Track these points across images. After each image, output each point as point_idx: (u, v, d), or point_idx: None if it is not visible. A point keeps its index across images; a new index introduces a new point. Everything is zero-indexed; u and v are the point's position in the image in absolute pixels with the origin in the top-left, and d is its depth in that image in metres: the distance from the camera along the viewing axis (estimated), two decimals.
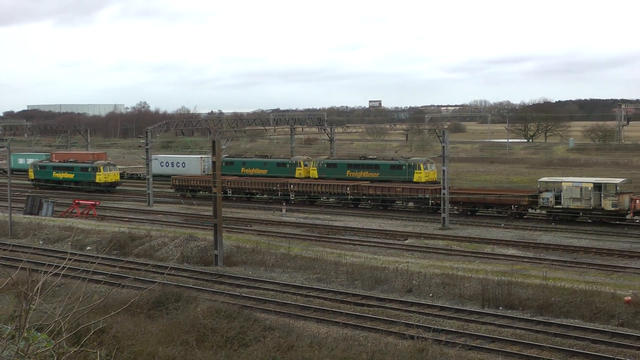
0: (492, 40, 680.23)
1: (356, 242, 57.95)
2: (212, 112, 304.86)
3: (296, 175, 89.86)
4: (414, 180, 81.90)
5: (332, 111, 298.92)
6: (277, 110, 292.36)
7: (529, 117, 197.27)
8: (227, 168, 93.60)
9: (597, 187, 62.99)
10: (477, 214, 71.63)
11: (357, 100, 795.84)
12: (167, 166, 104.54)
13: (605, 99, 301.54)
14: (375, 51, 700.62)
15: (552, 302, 37.04)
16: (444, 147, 64.78)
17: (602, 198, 62.53)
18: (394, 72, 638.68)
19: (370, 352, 26.54)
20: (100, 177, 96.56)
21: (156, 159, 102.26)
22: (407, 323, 34.00)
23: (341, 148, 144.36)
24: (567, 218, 65.10)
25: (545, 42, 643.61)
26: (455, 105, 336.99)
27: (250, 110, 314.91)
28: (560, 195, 64.21)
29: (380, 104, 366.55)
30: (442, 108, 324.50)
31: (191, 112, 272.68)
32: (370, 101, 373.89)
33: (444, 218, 64.05)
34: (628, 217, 63.31)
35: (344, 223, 67.87)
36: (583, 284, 40.11)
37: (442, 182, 65.06)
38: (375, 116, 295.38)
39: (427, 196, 72.41)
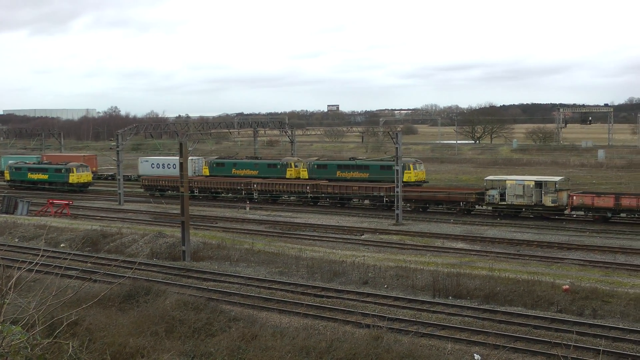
0: (441, 49, 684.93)
1: (316, 238, 57.96)
2: (179, 116, 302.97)
3: (287, 176, 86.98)
4: (404, 180, 76.30)
5: (292, 115, 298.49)
6: (241, 114, 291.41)
7: (476, 120, 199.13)
8: (218, 169, 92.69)
9: (538, 184, 63.77)
10: (429, 210, 72.11)
11: (317, 104, 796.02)
12: (159, 168, 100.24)
13: (545, 103, 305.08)
14: (333, 58, 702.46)
15: (497, 292, 37.40)
16: (397, 148, 65.05)
17: (542, 195, 63.33)
18: (351, 78, 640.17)
19: (329, 340, 26.55)
20: (73, 178, 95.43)
21: (147, 161, 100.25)
22: (364, 313, 34.07)
23: (301, 149, 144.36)
24: (511, 214, 65.84)
25: (490, 50, 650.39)
26: (408, 109, 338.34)
27: (215, 114, 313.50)
28: (504, 193, 64.91)
29: (338, 108, 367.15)
30: (396, 112, 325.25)
31: (160, 116, 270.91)
32: (328, 105, 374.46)
33: (397, 214, 64.33)
34: (566, 212, 64.23)
35: (305, 220, 67.86)
36: (525, 274, 40.59)
37: (395, 181, 65.30)
38: (333, 119, 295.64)
39: (381, 194, 72.70)
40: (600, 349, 26.78)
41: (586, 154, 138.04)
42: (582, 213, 63.83)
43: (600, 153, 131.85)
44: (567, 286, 37.24)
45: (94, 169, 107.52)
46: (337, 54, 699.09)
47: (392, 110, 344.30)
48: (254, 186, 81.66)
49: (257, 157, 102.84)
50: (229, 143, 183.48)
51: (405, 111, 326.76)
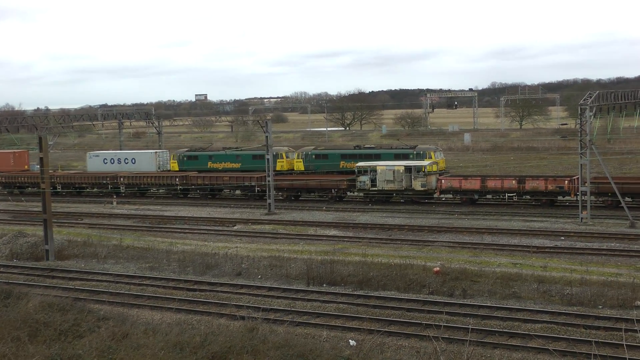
0: (310, 37, 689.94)
1: (187, 231, 57.43)
2: (38, 108, 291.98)
3: (277, 169, 76.61)
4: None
5: (160, 105, 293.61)
6: (105, 106, 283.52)
7: (346, 106, 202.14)
8: (190, 163, 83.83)
9: (408, 169, 65.43)
10: (301, 198, 72.71)
11: (185, 94, 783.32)
12: (113, 163, 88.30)
13: (413, 89, 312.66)
14: (203, 47, 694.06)
15: (370, 277, 38.19)
16: (267, 136, 65.19)
17: (412, 179, 65.05)
18: (220, 67, 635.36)
19: (204, 334, 26.37)
20: None
21: (97, 156, 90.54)
22: (238, 304, 34.06)
23: (169, 140, 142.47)
24: (383, 199, 67.33)
25: (358, 37, 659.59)
26: (278, 97, 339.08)
27: (77, 106, 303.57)
28: (375, 178, 66.23)
29: (206, 97, 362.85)
30: (265, 100, 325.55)
31: (16, 109, 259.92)
32: (196, 95, 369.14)
33: (269, 204, 64.54)
34: (435, 195, 66.24)
35: (175, 212, 67.06)
36: (398, 259, 41.67)
37: (266, 170, 65.42)
38: (201, 109, 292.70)
39: (253, 184, 72.69)
40: (469, 328, 27.81)
41: (453, 137, 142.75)
42: (451, 196, 66.03)
43: (466, 137, 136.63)
44: (437, 268, 38.49)
45: (26, 166, 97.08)
46: (207, 43, 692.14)
47: (262, 98, 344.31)
48: (120, 179, 79.81)
49: (238, 147, 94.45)
50: (93, 136, 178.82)
51: (275, 99, 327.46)
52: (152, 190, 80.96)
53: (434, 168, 66.87)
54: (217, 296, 36.45)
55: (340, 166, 76.33)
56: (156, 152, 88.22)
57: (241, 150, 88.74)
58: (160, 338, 25.31)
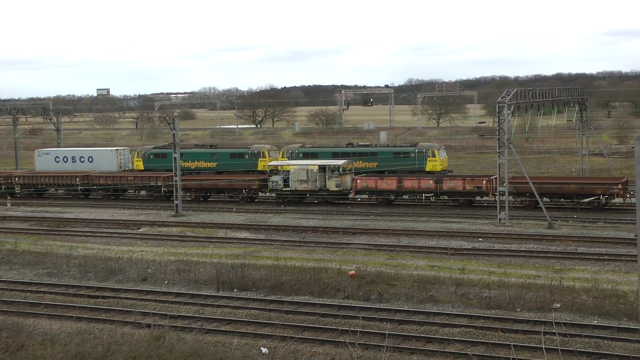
0: (221, 29, 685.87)
1: (88, 234, 56.35)
2: None
3: (259, 168, 74.58)
4: (427, 169, 70.19)
5: (58, 100, 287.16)
6: None
7: (257, 103, 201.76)
8: (157, 161, 79.78)
9: (322, 169, 65.77)
10: (210, 199, 72.23)
11: (85, 88, 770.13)
12: (67, 161, 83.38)
13: (327, 85, 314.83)
14: (105, 39, 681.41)
15: (283, 281, 38.21)
16: (174, 134, 64.52)
17: (326, 179, 65.41)
18: (123, 60, 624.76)
19: (106, 344, 25.99)
20: None
21: (48, 154, 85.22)
22: (143, 312, 33.66)
23: (69, 138, 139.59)
24: (296, 200, 67.47)
25: (271, 31, 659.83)
26: (185, 93, 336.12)
27: None
28: (288, 178, 66.32)
29: (108, 92, 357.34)
30: (172, 95, 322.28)
31: None
32: (98, 89, 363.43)
33: (177, 205, 63.89)
34: (350, 196, 66.75)
35: (75, 214, 65.73)
36: (312, 262, 41.85)
37: (174, 170, 64.73)
38: (104, 105, 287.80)
39: (159, 184, 71.83)
40: (386, 333, 28.12)
41: (368, 135, 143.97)
42: (366, 196, 66.65)
43: (382, 135, 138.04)
44: (353, 272, 38.80)
45: None
46: (110, 34, 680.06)
47: (169, 94, 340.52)
48: (15, 179, 77.67)
49: (213, 145, 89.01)
50: None
51: (183, 95, 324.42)
52: (50, 191, 79.01)
53: (350, 167, 67.38)
54: (121, 303, 35.90)
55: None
56: (117, 149, 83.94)
57: (217, 148, 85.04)
58: (59, 349, 24.81)
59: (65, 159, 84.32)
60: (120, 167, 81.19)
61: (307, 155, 75.20)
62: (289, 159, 74.56)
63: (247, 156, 77.75)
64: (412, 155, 70.93)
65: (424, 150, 70.95)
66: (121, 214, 65.64)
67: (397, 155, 71.93)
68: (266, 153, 77.41)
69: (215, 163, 77.87)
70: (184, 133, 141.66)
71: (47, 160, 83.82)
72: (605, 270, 40.24)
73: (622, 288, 35.04)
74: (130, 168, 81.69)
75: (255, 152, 77.95)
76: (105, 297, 37.10)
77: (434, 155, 70.40)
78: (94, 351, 24.77)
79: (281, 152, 77.98)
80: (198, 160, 79.03)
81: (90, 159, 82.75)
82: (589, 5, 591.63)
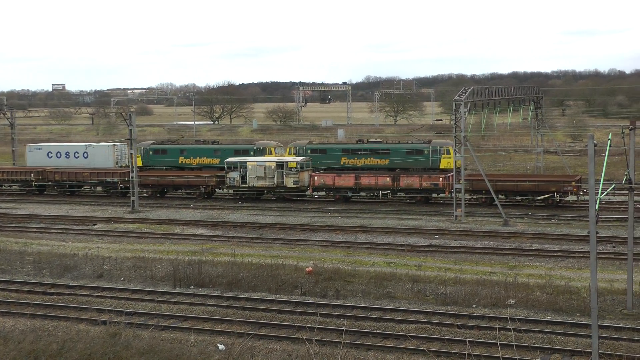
0: (178, 25, 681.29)
1: (43, 230, 55.71)
2: None
3: None
4: (441, 167, 68.07)
5: (12, 95, 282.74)
6: None
7: (215, 99, 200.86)
8: (156, 158, 77.46)
9: (280, 165, 65.73)
10: (167, 196, 71.81)
11: (40, 83, 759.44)
12: (60, 157, 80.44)
13: (285, 81, 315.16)
14: (61, 32, 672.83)
15: (240, 278, 38.16)
16: (131, 130, 64.01)
17: (284, 176, 65.39)
18: (80, 54, 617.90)
19: (61, 341, 25.72)
20: None
21: (40, 149, 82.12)
22: (99, 309, 33.45)
23: (24, 133, 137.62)
24: (253, 196, 67.35)
25: (229, 27, 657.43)
26: (142, 89, 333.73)
27: None
28: (246, 175, 66.17)
29: (64, 87, 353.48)
30: (129, 91, 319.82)
31: None
32: (53, 84, 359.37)
33: (133, 201, 63.42)
34: (308, 192, 66.83)
35: (29, 211, 64.88)
36: (269, 259, 41.86)
37: (130, 166, 64.24)
38: (59, 100, 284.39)
39: (115, 180, 71.21)
40: (343, 329, 28.22)
41: (326, 132, 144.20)
42: (324, 193, 66.77)
43: (340, 132, 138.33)
44: (310, 268, 38.87)
45: None
46: (65, 29, 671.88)
47: (125, 89, 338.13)
48: None
49: (216, 141, 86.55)
50: None
51: (139, 90, 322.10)
52: (3, 187, 77.83)
53: (307, 164, 67.43)
54: (76, 300, 35.61)
55: (342, 162, 71.96)
56: (114, 144, 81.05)
57: (220, 144, 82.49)
58: (13, 347, 24.50)
59: (58, 155, 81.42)
60: (117, 164, 78.56)
61: (315, 152, 73.59)
62: (295, 156, 72.89)
63: (252, 153, 75.32)
64: (426, 152, 69.32)
65: (438, 148, 68.87)
66: (77, 210, 64.97)
67: (410, 152, 69.95)
68: (272, 149, 75.92)
69: (219, 159, 74.54)
70: (141, 129, 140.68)
71: (39, 155, 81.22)
72: (559, 266, 40.81)
73: (575, 284, 35.57)
74: (127, 164, 78.14)
75: (261, 148, 76.07)
76: (60, 294, 36.75)
77: (448, 153, 68.19)
78: (49, 348, 24.49)
79: (288, 149, 75.98)
80: (200, 157, 76.88)
81: (85, 155, 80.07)
82: (544, 5, 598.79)
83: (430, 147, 70.13)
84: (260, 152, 75.18)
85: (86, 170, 73.82)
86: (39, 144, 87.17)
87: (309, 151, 74.04)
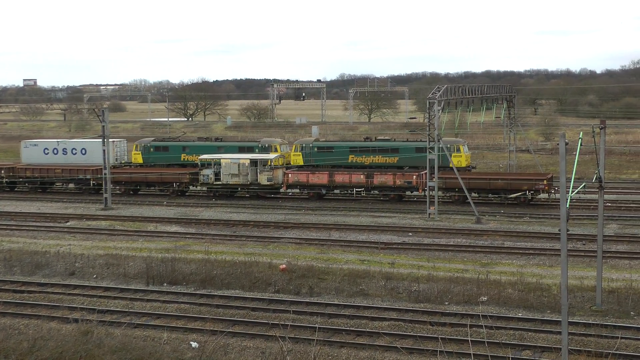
0: (152, 21, 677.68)
1: (13, 227, 55.25)
2: None
3: None
4: (451, 166, 62.53)
5: None
6: None
7: (188, 96, 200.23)
8: (157, 154, 76.00)
9: (254, 163, 65.64)
10: (140, 193, 71.47)
11: (11, 78, 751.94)
12: (57, 154, 77.14)
13: (259, 78, 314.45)
14: (32, 27, 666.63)
15: (214, 275, 38.11)
16: (104, 126, 63.61)
17: (258, 173, 65.32)
18: (52, 49, 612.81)
19: (32, 339, 25.56)
20: None
21: (35, 145, 78.83)
22: (71, 306, 33.26)
23: None
24: (227, 193, 67.21)
25: (202, 23, 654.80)
26: (115, 85, 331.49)
27: None
28: (220, 172, 66.02)
29: (35, 82, 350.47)
30: (102, 87, 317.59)
31: None
32: (24, 80, 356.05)
33: (106, 198, 63.07)
34: (282, 190, 66.81)
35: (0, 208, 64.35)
36: (242, 256, 41.83)
37: (103, 162, 63.86)
38: (30, 95, 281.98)
39: (87, 177, 70.75)
40: (316, 327, 28.28)
41: (300, 130, 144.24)
42: (298, 190, 66.79)
43: (314, 129, 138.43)
44: (284, 266, 38.90)
45: None
46: (37, 23, 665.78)
47: (98, 85, 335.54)
48: None
49: (219, 138, 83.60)
50: None
51: (113, 86, 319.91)
52: None
53: (281, 162, 67.41)
54: (47, 298, 35.39)
55: (349, 160, 70.39)
56: (113, 141, 77.29)
57: (223, 141, 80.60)
58: None
59: (55, 151, 77.99)
60: (117, 160, 76.06)
61: (322, 149, 72.19)
62: (302, 154, 71.79)
63: (257, 150, 73.55)
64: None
65: (448, 146, 65.57)
66: (48, 207, 64.49)
67: (419, 150, 67.25)
68: (277, 147, 74.18)
69: None
70: (114, 125, 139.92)
71: (35, 152, 78.20)
72: (530, 264, 41.15)
73: (546, 281, 35.90)
74: (127, 161, 77.49)
75: (266, 145, 74.21)
76: (31, 292, 36.48)
77: (458, 151, 67.45)
78: (19, 347, 24.33)
79: (294, 146, 74.21)
80: (203, 154, 72.32)
81: (84, 151, 76.45)
82: (518, 5, 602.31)
83: (439, 145, 68.23)
84: (266, 149, 73.39)
85: (58, 167, 73.10)
86: (35, 140, 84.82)
87: (315, 149, 72.30)
